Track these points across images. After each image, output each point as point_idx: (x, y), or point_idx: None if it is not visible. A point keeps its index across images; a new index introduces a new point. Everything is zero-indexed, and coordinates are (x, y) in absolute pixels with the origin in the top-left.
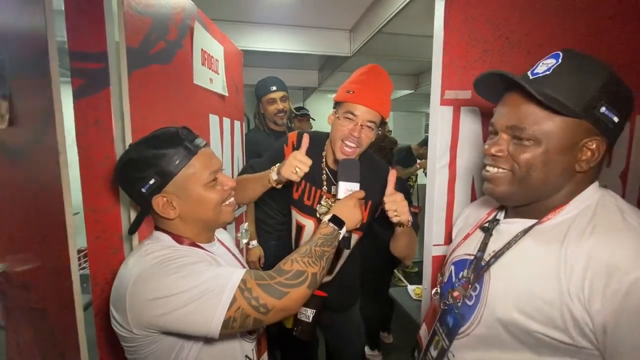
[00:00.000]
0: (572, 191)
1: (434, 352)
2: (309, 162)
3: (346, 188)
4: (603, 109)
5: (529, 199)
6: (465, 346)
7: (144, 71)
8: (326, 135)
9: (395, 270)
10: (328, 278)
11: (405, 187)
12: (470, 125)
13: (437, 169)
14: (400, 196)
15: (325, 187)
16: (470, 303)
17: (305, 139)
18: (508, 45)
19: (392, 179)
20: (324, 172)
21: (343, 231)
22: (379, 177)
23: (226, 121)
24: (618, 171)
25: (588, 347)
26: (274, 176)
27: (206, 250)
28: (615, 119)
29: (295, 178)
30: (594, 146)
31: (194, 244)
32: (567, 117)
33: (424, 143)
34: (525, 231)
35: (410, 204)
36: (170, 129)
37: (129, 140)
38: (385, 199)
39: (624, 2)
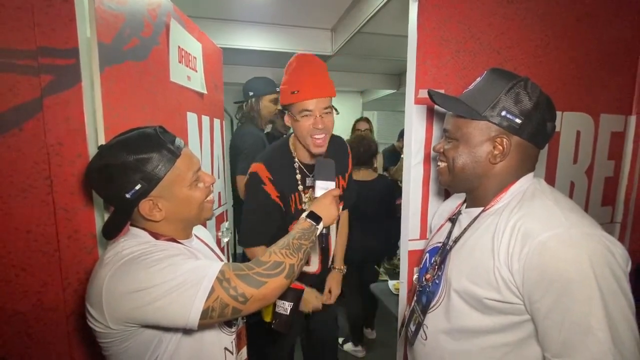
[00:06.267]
0: (501, 181)
1: (412, 327)
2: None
3: (323, 186)
4: (504, 112)
5: (463, 186)
6: (434, 318)
7: (117, 67)
8: (285, 139)
9: (376, 266)
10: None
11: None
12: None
13: (412, 166)
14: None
15: (300, 185)
16: (438, 281)
17: None
18: (479, 46)
19: None
20: (297, 171)
21: (320, 226)
22: (342, 151)
23: (205, 119)
24: (584, 167)
25: (517, 302)
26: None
27: (185, 245)
28: (518, 121)
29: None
30: (502, 143)
31: (172, 240)
32: (477, 121)
33: (401, 135)
34: (475, 218)
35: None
36: (147, 130)
37: (101, 138)
38: None
39: (590, 4)
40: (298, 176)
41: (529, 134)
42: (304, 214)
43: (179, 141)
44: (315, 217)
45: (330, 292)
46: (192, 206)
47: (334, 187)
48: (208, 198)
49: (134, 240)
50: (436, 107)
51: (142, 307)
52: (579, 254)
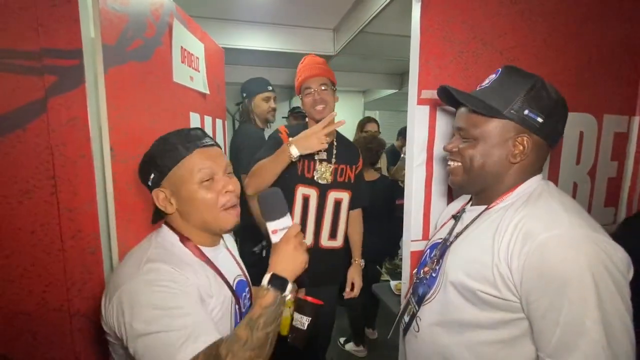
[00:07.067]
0: (513, 181)
1: (407, 318)
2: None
3: (276, 228)
4: (526, 111)
5: (479, 186)
6: (429, 310)
7: (121, 68)
8: (304, 122)
9: (377, 267)
10: (337, 244)
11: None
12: (446, 124)
13: (415, 167)
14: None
15: (316, 155)
16: (434, 275)
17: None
18: (482, 46)
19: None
20: None
21: (288, 289)
22: (352, 148)
23: (207, 119)
24: (587, 168)
25: (513, 299)
26: (294, 151)
27: (206, 255)
28: (540, 120)
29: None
30: (523, 142)
31: (196, 247)
32: (498, 119)
33: (400, 134)
34: (479, 215)
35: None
36: (183, 129)
37: (105, 138)
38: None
39: (594, 5)
40: None
41: (546, 133)
42: (264, 280)
43: (203, 141)
44: (279, 281)
45: (352, 285)
46: (200, 207)
47: (291, 222)
48: (228, 206)
49: (160, 249)
50: (439, 107)
51: (131, 338)
52: (578, 255)
